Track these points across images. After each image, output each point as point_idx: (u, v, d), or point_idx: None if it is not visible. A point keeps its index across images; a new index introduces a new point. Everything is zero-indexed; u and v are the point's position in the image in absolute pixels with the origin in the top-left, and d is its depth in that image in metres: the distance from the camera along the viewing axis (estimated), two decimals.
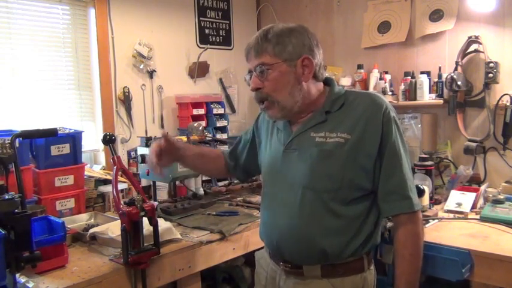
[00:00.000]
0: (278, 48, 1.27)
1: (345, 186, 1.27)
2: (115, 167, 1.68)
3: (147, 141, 2.28)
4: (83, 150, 2.24)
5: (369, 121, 1.27)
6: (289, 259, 1.34)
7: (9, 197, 1.12)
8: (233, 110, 3.26)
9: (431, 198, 2.16)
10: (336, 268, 1.29)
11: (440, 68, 2.51)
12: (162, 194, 2.50)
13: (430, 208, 2.11)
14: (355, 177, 1.27)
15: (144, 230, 1.58)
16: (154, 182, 2.37)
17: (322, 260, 1.28)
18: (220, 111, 2.94)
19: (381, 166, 1.27)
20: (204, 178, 2.69)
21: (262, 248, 1.53)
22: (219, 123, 2.91)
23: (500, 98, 2.32)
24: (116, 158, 1.69)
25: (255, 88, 1.32)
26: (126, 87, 2.64)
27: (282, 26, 1.30)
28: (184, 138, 2.28)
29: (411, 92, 2.55)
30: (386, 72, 2.71)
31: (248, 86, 1.37)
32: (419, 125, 2.61)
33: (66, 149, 2.12)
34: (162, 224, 1.79)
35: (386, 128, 1.26)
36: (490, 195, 2.17)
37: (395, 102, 2.59)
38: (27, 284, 1.40)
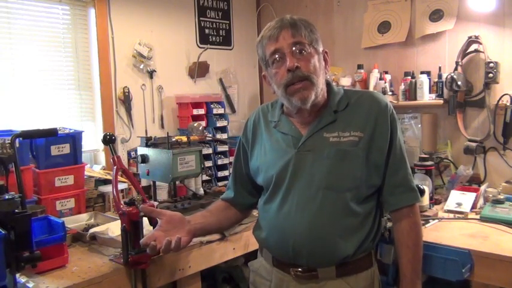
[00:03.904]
0: (308, 33, 1.28)
1: (362, 184, 1.29)
2: (115, 167, 1.68)
3: (147, 142, 2.28)
4: (83, 150, 2.24)
5: (378, 119, 1.30)
6: (305, 263, 1.29)
7: (9, 197, 1.12)
8: (233, 110, 3.26)
9: (431, 198, 2.16)
10: (350, 266, 1.29)
11: (440, 68, 2.51)
12: (162, 194, 2.49)
13: (430, 208, 2.11)
14: (370, 174, 1.29)
15: (144, 230, 1.58)
16: (154, 182, 2.37)
17: (340, 260, 1.27)
18: (220, 111, 2.93)
19: (388, 161, 1.31)
20: (204, 178, 2.69)
21: (256, 250, 1.50)
22: (219, 123, 2.91)
23: (500, 98, 2.32)
24: (116, 158, 1.69)
25: (294, 66, 1.24)
26: (126, 87, 2.64)
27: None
28: (184, 138, 2.28)
29: (411, 92, 2.55)
30: (386, 72, 2.71)
31: (267, 66, 1.32)
32: (419, 125, 2.61)
33: (66, 149, 2.12)
34: None
35: (393, 124, 1.32)
36: (490, 195, 2.16)
37: (396, 102, 2.59)
38: (27, 284, 1.40)
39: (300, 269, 1.30)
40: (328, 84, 1.38)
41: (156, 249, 1.25)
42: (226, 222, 1.56)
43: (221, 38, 3.22)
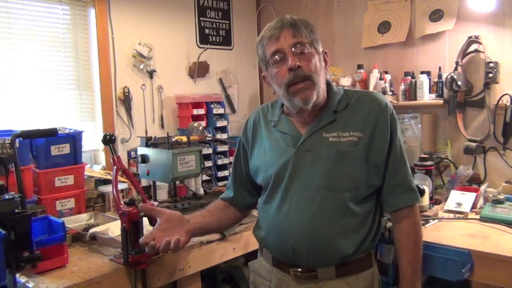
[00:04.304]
0: (308, 33, 1.29)
1: (362, 185, 1.29)
2: (115, 167, 1.68)
3: (147, 142, 2.28)
4: (83, 150, 2.24)
5: (378, 119, 1.30)
6: (305, 263, 1.29)
7: (9, 197, 1.12)
8: (233, 110, 3.26)
9: (431, 198, 2.16)
10: (349, 266, 1.29)
11: (440, 68, 2.51)
12: (162, 194, 2.49)
13: (430, 208, 2.11)
14: (369, 174, 1.29)
15: (144, 230, 1.58)
16: (154, 182, 2.37)
17: (339, 260, 1.27)
18: (220, 111, 2.93)
19: (388, 161, 1.31)
20: (204, 178, 2.69)
21: (256, 250, 1.50)
22: (219, 123, 2.91)
23: (500, 98, 2.32)
24: (116, 158, 1.69)
25: (296, 65, 1.24)
26: (126, 87, 2.64)
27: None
28: (184, 138, 2.28)
29: (411, 92, 2.55)
30: (386, 72, 2.71)
31: (267, 66, 1.32)
32: (419, 125, 2.61)
33: (66, 149, 2.12)
34: None
35: (393, 125, 1.32)
36: (490, 195, 2.16)
37: (396, 102, 2.59)
38: (27, 284, 1.40)
39: (299, 269, 1.30)
40: (328, 84, 1.38)
41: (155, 249, 1.25)
42: (225, 222, 1.56)
43: (221, 38, 3.22)
